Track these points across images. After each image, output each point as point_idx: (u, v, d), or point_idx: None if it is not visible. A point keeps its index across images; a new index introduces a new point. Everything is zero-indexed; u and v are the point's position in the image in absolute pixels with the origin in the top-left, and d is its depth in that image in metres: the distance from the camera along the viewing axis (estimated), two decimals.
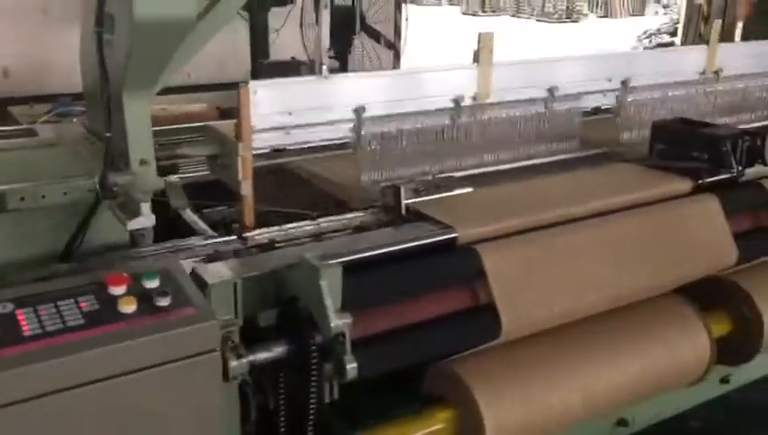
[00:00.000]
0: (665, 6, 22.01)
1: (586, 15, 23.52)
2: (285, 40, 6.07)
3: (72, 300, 1.47)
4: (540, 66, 2.66)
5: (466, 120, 2.42)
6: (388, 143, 2.31)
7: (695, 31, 11.22)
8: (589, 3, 23.89)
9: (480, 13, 24.66)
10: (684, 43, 10.61)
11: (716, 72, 3.01)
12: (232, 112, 2.26)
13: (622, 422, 2.59)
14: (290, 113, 2.31)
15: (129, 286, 1.52)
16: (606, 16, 23.61)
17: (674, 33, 13.82)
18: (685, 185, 2.34)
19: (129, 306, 1.47)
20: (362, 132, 2.30)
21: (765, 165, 2.39)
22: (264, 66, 5.20)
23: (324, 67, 2.37)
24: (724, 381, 2.88)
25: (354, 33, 4.62)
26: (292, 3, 5.70)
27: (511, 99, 2.55)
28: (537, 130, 2.56)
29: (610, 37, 18.47)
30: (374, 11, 5.02)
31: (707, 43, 3.01)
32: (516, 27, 21.35)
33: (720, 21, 3.04)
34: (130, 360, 1.42)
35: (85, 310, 1.46)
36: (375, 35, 5.28)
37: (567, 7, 21.86)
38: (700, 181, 2.33)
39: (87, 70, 2.19)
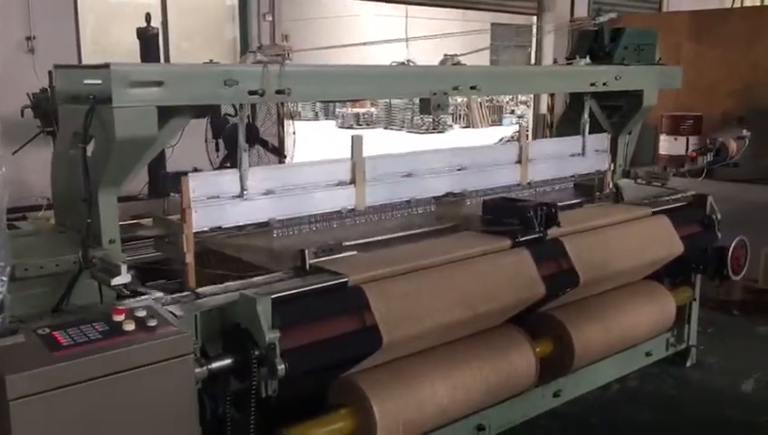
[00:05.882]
0: (519, 117, 24.71)
1: (451, 126, 25.87)
2: (180, 153, 6.89)
3: (90, 325, 2.15)
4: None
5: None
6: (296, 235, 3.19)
7: (542, 136, 13.01)
8: (452, 117, 26.36)
9: (355, 126, 26.51)
10: None
11: (529, 183, 4.13)
12: (142, 216, 3.33)
13: (480, 428, 3.39)
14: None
15: (127, 315, 2.21)
16: (468, 126, 26.09)
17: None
18: (506, 243, 3.29)
19: (130, 326, 2.16)
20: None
21: (559, 226, 3.39)
22: (169, 175, 5.87)
23: None
24: (556, 395, 3.78)
25: (251, 147, 5.44)
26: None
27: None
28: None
29: (472, 143, 20.47)
30: (266, 127, 5.92)
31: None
32: (389, 138, 23.15)
33: (527, 144, 4.14)
34: (134, 359, 2.10)
35: (99, 330, 2.14)
36: (269, 148, 6.13)
37: (433, 120, 23.92)
38: (516, 240, 3.29)
39: (58, 178, 2.89)
